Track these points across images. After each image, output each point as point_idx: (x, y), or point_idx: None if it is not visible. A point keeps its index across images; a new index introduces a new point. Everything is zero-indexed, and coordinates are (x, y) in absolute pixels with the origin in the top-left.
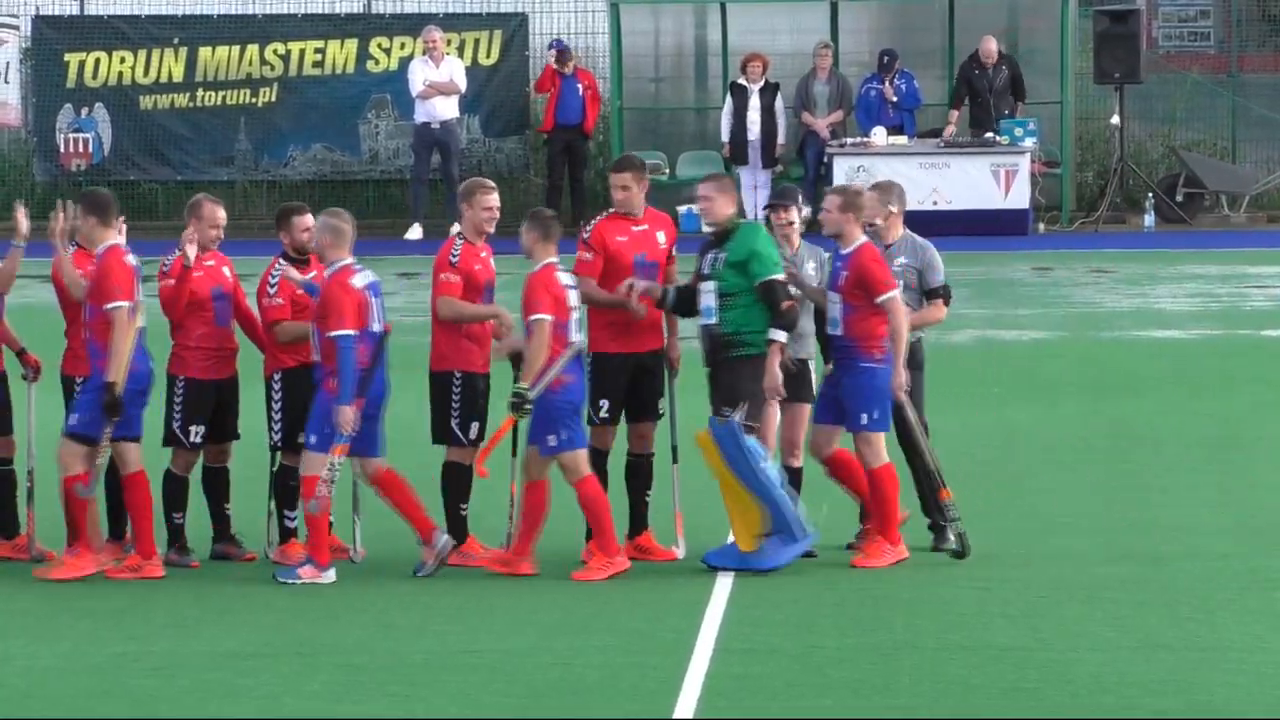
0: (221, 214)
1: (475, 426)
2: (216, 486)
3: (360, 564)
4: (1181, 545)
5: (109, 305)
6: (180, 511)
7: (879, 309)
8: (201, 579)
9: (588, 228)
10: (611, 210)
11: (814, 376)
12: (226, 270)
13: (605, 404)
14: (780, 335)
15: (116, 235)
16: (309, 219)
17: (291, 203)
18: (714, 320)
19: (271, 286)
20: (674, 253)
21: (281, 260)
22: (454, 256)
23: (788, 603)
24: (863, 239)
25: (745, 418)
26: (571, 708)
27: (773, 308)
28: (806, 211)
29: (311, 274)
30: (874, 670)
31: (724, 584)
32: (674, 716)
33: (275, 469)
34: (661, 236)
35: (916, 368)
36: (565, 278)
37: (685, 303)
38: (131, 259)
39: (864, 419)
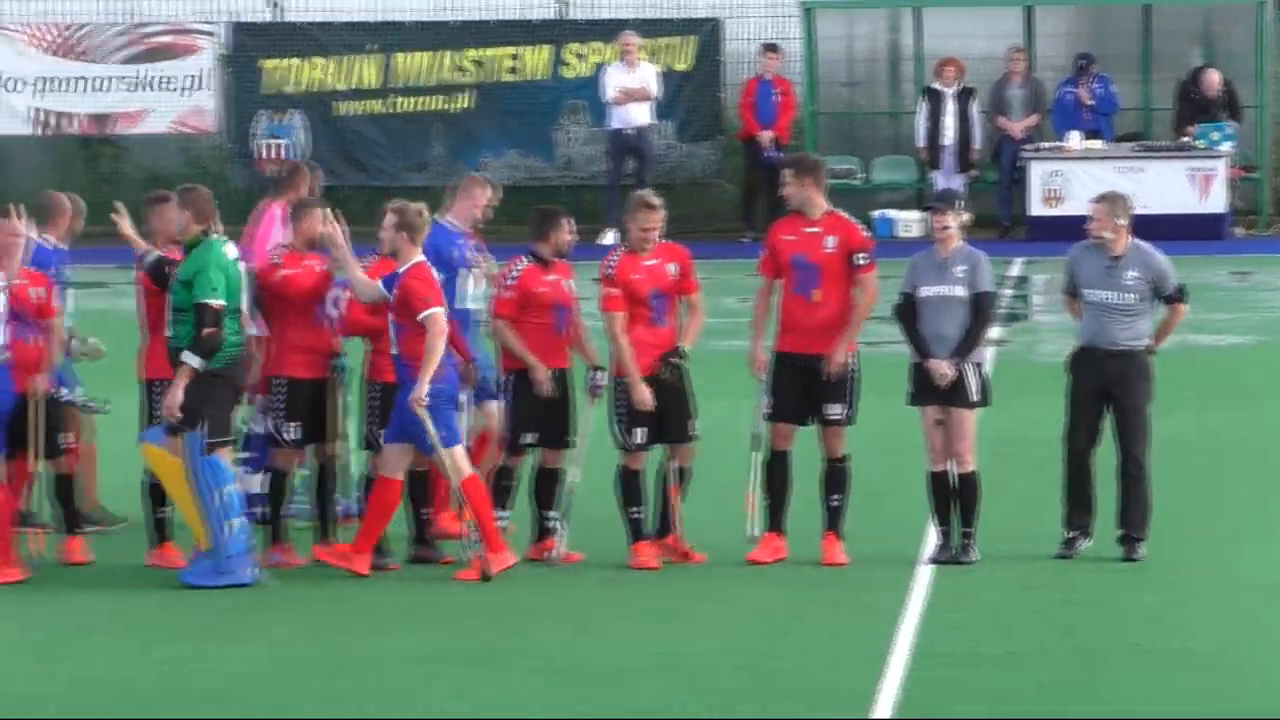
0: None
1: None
2: (420, 491)
3: (555, 565)
4: None
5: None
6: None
7: None
8: (396, 580)
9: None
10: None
11: (971, 381)
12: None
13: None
14: (192, 360)
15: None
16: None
17: (548, 207)
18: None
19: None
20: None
21: (524, 258)
22: (610, 269)
23: (986, 608)
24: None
25: (210, 435)
26: (766, 712)
27: (195, 330)
28: (966, 216)
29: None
30: (1072, 675)
31: (920, 589)
32: (872, 718)
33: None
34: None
35: (1143, 378)
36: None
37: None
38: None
39: None
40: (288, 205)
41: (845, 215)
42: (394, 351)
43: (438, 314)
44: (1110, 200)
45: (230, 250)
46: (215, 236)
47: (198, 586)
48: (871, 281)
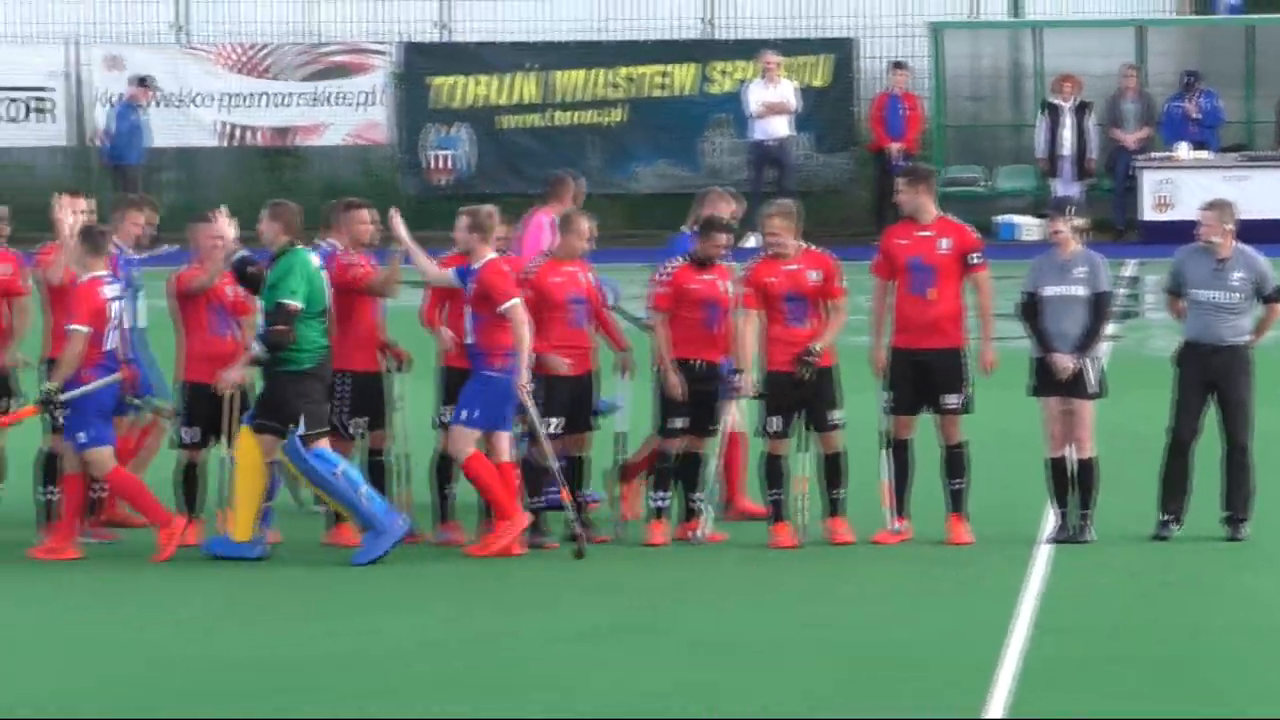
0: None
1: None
2: (577, 475)
3: (700, 545)
4: None
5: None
6: (538, 495)
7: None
8: (555, 558)
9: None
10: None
11: (1090, 374)
12: (584, 276)
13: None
14: (257, 348)
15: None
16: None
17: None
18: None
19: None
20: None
21: (680, 257)
22: (746, 271)
23: (1100, 584)
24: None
25: (307, 430)
26: (898, 680)
27: (266, 323)
28: (1081, 220)
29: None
30: (1180, 649)
31: (1040, 567)
32: (994, 689)
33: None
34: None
35: (1245, 371)
36: (110, 290)
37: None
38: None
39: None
40: (553, 214)
41: (955, 219)
42: (469, 340)
43: (517, 305)
44: (1219, 207)
45: (315, 259)
46: (300, 246)
47: (370, 561)
48: (988, 278)
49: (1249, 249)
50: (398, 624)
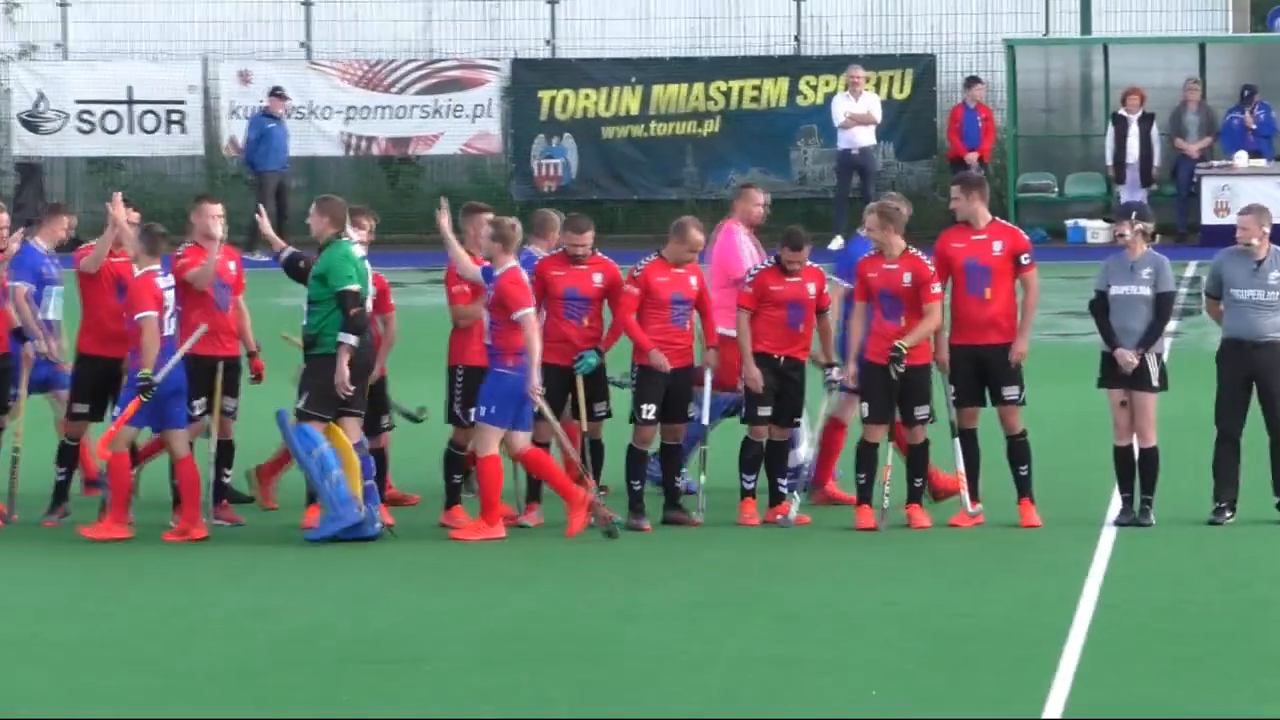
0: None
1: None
2: (670, 460)
3: (788, 527)
4: None
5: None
6: (640, 479)
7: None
8: (654, 539)
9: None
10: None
11: (1153, 368)
12: (694, 280)
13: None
14: (349, 338)
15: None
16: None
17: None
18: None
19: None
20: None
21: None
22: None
23: (1161, 564)
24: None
25: (306, 406)
26: (972, 653)
27: (343, 314)
28: (1146, 225)
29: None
30: (1239, 623)
31: (1105, 547)
32: (1061, 661)
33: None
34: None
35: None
36: (163, 282)
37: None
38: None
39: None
40: (740, 224)
41: (1006, 223)
42: (487, 341)
43: (530, 314)
44: (1256, 211)
45: (358, 250)
46: (345, 239)
47: (321, 540)
48: (1035, 277)
49: None
50: (506, 599)
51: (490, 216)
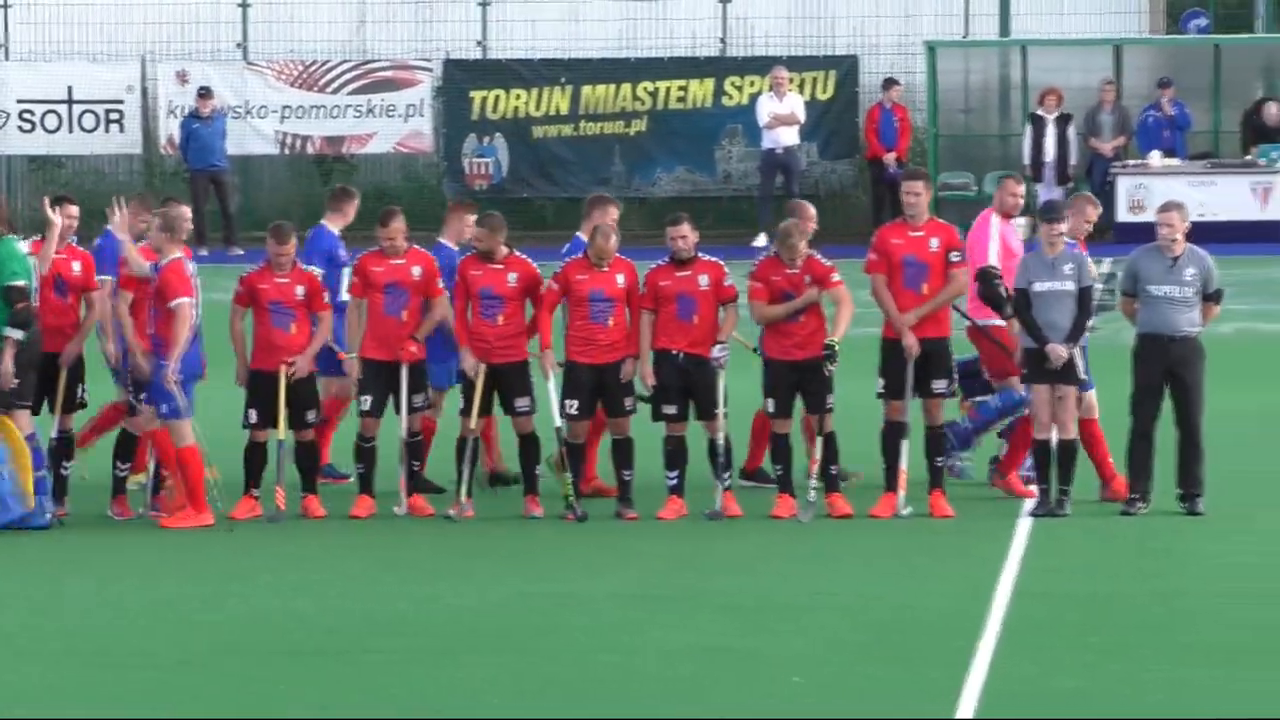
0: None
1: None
2: (622, 452)
3: (720, 519)
4: None
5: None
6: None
7: None
8: (592, 531)
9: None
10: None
11: (1079, 363)
12: (620, 278)
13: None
14: (14, 333)
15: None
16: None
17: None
18: None
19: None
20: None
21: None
22: (753, 268)
23: (1076, 554)
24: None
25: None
26: (905, 643)
27: (8, 309)
28: (1066, 225)
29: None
30: (1155, 613)
31: (1021, 538)
32: (979, 645)
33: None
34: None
35: (1200, 358)
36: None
37: None
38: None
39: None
40: (999, 216)
41: (943, 221)
42: (149, 331)
43: (185, 304)
44: (1177, 208)
45: (24, 246)
46: (9, 235)
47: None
48: (963, 274)
49: (1198, 249)
50: (445, 590)
51: (474, 216)
